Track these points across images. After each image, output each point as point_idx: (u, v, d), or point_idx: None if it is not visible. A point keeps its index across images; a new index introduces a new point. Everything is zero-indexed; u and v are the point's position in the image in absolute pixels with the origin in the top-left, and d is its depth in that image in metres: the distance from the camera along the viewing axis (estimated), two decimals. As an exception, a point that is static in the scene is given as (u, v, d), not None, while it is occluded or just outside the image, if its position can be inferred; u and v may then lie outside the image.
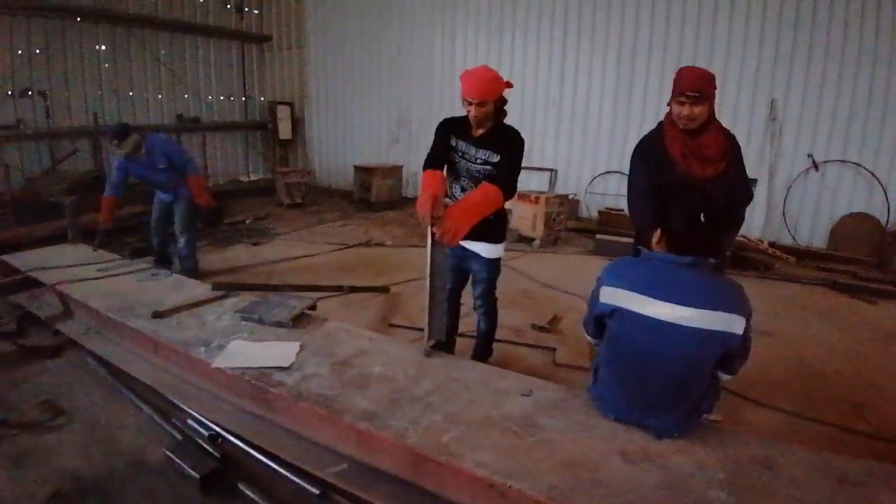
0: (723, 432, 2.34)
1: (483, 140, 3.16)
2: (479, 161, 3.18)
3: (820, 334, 4.86)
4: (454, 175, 3.31)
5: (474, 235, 3.23)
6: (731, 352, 2.13)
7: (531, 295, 5.54)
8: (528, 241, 7.69)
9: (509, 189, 3.08)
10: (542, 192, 7.92)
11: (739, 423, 3.33)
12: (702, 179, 2.89)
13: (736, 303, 2.11)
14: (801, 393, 3.78)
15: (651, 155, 3.02)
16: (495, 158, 3.15)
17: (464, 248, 3.35)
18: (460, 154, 3.23)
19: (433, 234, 2.79)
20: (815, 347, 4.56)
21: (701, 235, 2.18)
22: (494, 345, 3.88)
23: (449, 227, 2.77)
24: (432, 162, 3.21)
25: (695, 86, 2.80)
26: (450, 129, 3.27)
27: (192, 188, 5.51)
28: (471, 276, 3.51)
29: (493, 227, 3.30)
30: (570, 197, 8.69)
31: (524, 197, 7.72)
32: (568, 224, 8.21)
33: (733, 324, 2.07)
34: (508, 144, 3.15)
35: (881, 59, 7.04)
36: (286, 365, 2.82)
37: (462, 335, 4.01)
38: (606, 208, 8.34)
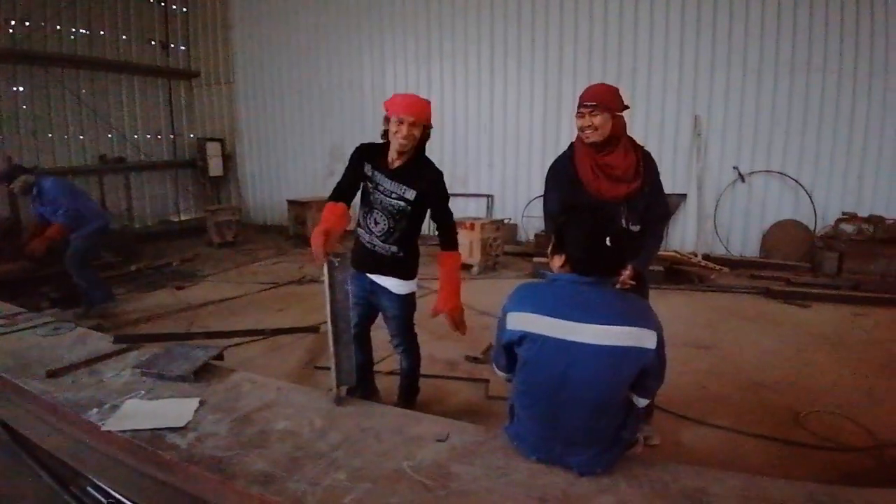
0: (650, 464, 2.20)
1: (399, 172, 3.02)
2: (393, 196, 3.03)
3: (756, 343, 4.87)
4: (368, 206, 3.13)
5: (383, 269, 3.13)
6: (645, 369, 2.03)
7: (467, 324, 5.36)
8: (467, 268, 7.55)
9: (455, 227, 3.23)
10: (477, 219, 7.87)
11: (675, 445, 3.24)
12: (613, 198, 2.82)
13: (645, 317, 2.03)
14: (739, 406, 3.73)
15: (563, 176, 2.94)
16: (410, 195, 3.01)
17: (372, 282, 3.19)
18: (374, 185, 3.07)
19: (330, 272, 2.62)
20: (752, 357, 4.55)
21: (604, 258, 2.08)
22: (426, 380, 3.71)
23: (456, 317, 3.19)
24: (339, 194, 3.09)
25: (592, 96, 2.78)
26: (365, 156, 3.10)
27: (49, 231, 5.40)
28: (383, 313, 3.32)
29: (402, 262, 3.16)
30: (507, 221, 8.67)
31: (459, 224, 7.56)
32: (506, 248, 8.14)
33: (645, 338, 1.98)
34: (426, 183, 3.02)
35: (798, 68, 7.30)
36: (181, 425, 2.56)
37: (392, 373, 3.86)
38: (542, 231, 8.27)
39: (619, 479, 2.05)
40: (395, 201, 3.03)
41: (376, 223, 3.10)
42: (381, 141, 3.05)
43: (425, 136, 3.02)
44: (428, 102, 2.99)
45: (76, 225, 5.44)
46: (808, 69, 7.25)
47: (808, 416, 3.56)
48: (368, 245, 3.16)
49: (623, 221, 2.84)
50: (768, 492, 1.99)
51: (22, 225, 8.35)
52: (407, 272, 3.19)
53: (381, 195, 3.05)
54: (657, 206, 2.97)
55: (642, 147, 2.99)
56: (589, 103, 2.77)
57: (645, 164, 2.91)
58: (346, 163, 3.15)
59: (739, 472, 2.23)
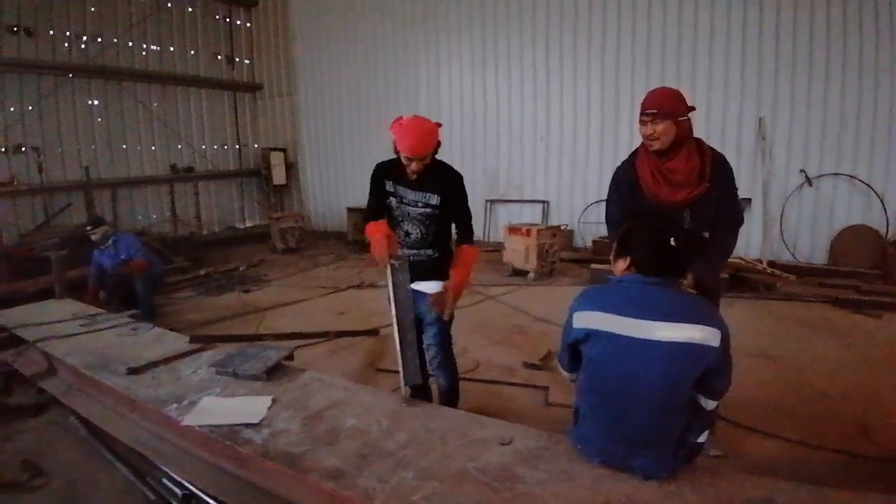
0: (715, 473, 2.19)
1: (419, 182, 3.06)
2: (419, 204, 3.08)
3: (824, 354, 4.72)
4: (396, 221, 3.17)
5: (422, 275, 3.14)
6: (710, 367, 2.04)
7: (524, 330, 5.41)
8: (523, 274, 7.58)
9: (473, 231, 3.22)
10: (533, 225, 7.86)
11: (740, 456, 3.18)
12: (674, 204, 2.78)
13: (710, 316, 2.05)
14: (805, 418, 3.63)
15: (624, 182, 2.94)
16: (434, 200, 3.06)
17: (414, 291, 3.12)
18: (399, 199, 3.12)
19: (394, 273, 2.71)
20: (819, 368, 4.41)
21: (669, 259, 2.12)
22: (483, 385, 3.74)
23: (452, 295, 3.05)
24: (373, 215, 3.15)
25: (653, 103, 2.74)
26: (383, 174, 3.16)
27: (133, 263, 6.09)
28: (422, 321, 3.26)
29: (440, 262, 3.19)
30: (563, 228, 8.64)
31: (516, 230, 7.66)
32: (562, 255, 8.12)
33: (709, 336, 2.00)
34: (448, 185, 3.07)
35: (866, 69, 7.03)
36: (256, 421, 2.69)
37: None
38: (600, 237, 8.25)
39: (685, 486, 2.05)
40: (422, 209, 3.08)
41: (408, 234, 3.15)
42: (395, 156, 3.05)
43: (436, 151, 3.05)
44: (431, 130, 2.94)
45: (149, 265, 6.26)
46: (877, 70, 6.96)
47: (877, 428, 3.43)
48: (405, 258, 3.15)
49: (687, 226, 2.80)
50: (835, 503, 1.95)
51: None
52: (444, 272, 3.17)
53: (408, 206, 3.10)
54: (727, 213, 2.88)
55: (714, 150, 2.89)
56: (650, 111, 2.73)
57: (714, 168, 2.81)
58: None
59: (805, 483, 2.19)
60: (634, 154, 2.99)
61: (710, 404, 2.19)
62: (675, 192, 2.79)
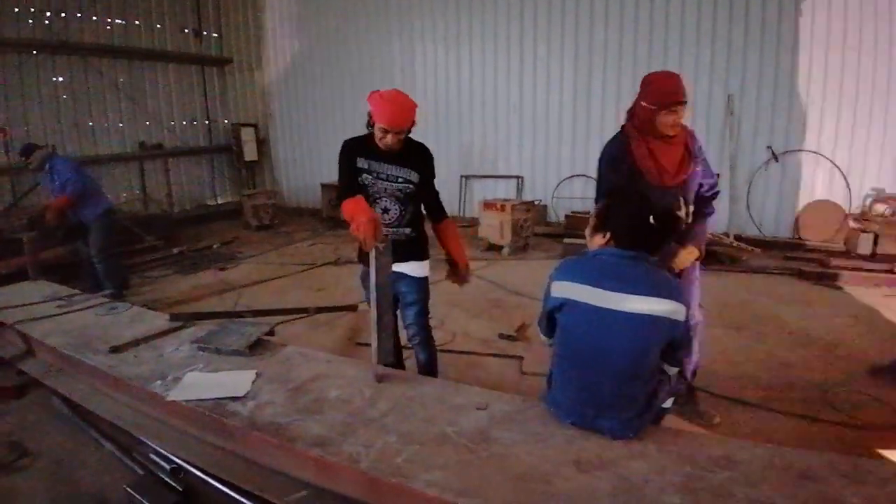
0: (679, 433, 2.33)
1: (398, 157, 3.04)
2: (399, 180, 3.06)
3: (787, 324, 4.91)
4: (372, 198, 3.07)
5: (400, 255, 3.08)
6: (675, 339, 2.21)
7: (500, 303, 5.53)
8: (498, 248, 7.70)
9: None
10: (508, 200, 7.96)
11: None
12: (673, 186, 2.87)
13: (676, 293, 2.20)
14: (770, 385, 3.81)
15: (622, 165, 2.91)
16: (415, 177, 3.08)
17: (393, 270, 3.07)
18: (375, 175, 3.05)
19: (377, 257, 2.74)
20: (783, 338, 4.61)
21: (647, 236, 2.26)
22: (461, 356, 3.84)
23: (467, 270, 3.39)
24: (348, 192, 2.96)
25: (681, 91, 2.75)
26: (355, 150, 3.07)
27: (56, 201, 5.76)
28: (400, 301, 3.29)
29: (417, 242, 3.22)
30: (537, 203, 8.75)
31: (490, 205, 7.74)
32: (536, 230, 8.25)
33: (676, 310, 2.15)
34: (424, 162, 3.13)
35: (834, 46, 7.18)
36: (241, 394, 2.75)
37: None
38: (573, 212, 8.37)
39: (650, 445, 2.18)
40: (403, 185, 3.06)
41: (386, 211, 3.09)
42: (367, 131, 3.03)
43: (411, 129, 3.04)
44: (412, 107, 2.94)
45: (80, 200, 5.80)
46: (844, 47, 7.12)
47: (836, 395, 3.63)
48: None
49: (681, 203, 2.91)
50: (792, 460, 2.08)
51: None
52: (421, 251, 3.24)
53: (386, 182, 3.06)
54: (708, 185, 3.08)
55: (685, 126, 2.98)
56: (682, 100, 2.74)
57: (693, 143, 2.95)
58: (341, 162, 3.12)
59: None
60: (626, 137, 2.95)
61: (671, 370, 2.36)
62: (675, 175, 2.89)
